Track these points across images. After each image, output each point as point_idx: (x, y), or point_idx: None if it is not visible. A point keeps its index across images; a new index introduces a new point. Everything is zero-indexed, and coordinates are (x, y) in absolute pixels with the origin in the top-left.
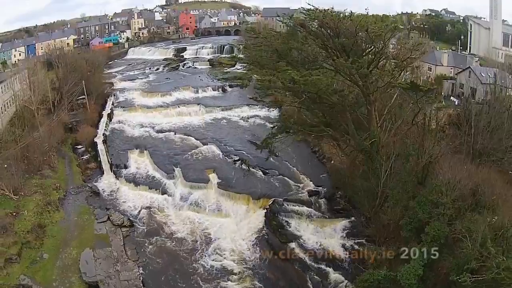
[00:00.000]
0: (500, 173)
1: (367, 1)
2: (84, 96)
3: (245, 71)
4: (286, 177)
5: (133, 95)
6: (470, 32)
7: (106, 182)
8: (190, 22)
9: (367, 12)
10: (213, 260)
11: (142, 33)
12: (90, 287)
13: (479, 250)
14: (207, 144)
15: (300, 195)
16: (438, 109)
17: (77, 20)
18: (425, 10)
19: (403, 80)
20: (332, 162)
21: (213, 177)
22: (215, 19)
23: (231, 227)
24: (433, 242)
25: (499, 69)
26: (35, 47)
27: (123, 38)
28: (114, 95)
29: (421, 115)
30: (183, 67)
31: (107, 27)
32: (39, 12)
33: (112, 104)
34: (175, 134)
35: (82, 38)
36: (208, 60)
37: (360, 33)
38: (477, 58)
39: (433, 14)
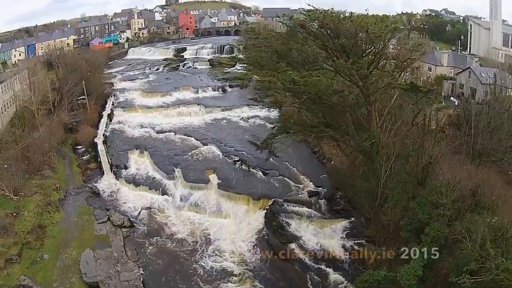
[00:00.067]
0: (500, 173)
1: (367, 1)
2: (84, 97)
3: (245, 72)
4: (286, 178)
5: (133, 95)
6: (470, 32)
7: (106, 183)
8: (190, 22)
9: (367, 13)
10: (213, 261)
11: (142, 33)
12: None
13: (478, 251)
14: (207, 145)
15: (300, 195)
16: (438, 109)
17: (77, 20)
18: (425, 10)
19: (403, 80)
20: (332, 162)
21: (213, 178)
22: (215, 19)
23: (231, 227)
24: (433, 243)
25: (499, 70)
26: (35, 47)
27: (123, 38)
28: (114, 95)
29: (421, 115)
30: (183, 67)
31: (107, 27)
32: (39, 12)
33: (112, 104)
34: (175, 134)
35: (82, 38)
36: (208, 60)
37: (360, 34)
38: (477, 58)
39: (433, 14)
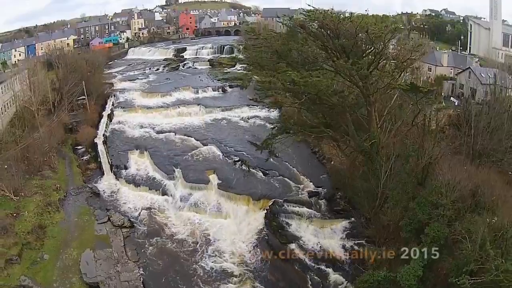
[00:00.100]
0: (500, 174)
1: (367, 1)
2: (84, 97)
3: (245, 72)
4: (286, 178)
5: (133, 95)
6: (470, 32)
7: (107, 183)
8: (190, 22)
9: (367, 13)
10: (213, 262)
11: (142, 33)
12: None
13: (478, 252)
14: (207, 145)
15: (300, 196)
16: (438, 110)
17: (77, 20)
18: (425, 10)
19: (403, 81)
20: (332, 163)
21: (213, 178)
22: (215, 19)
23: (231, 228)
24: (433, 243)
25: (499, 70)
26: (35, 47)
27: (123, 38)
28: (114, 96)
29: (421, 116)
30: (183, 67)
31: (107, 27)
32: (39, 12)
33: (112, 104)
34: (175, 134)
35: (82, 38)
36: (208, 61)
37: (360, 34)
38: (477, 59)
39: (433, 14)
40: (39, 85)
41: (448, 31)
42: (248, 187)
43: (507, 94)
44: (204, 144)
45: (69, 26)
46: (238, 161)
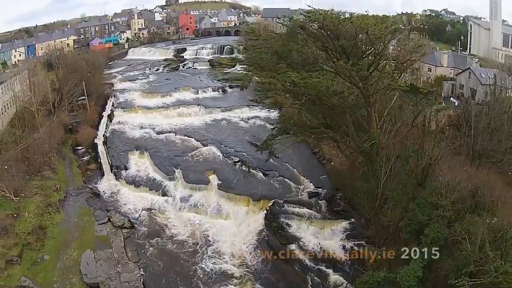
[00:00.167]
0: (500, 174)
1: (367, 2)
2: (84, 97)
3: (245, 73)
4: (286, 179)
5: (133, 96)
6: (470, 32)
7: (107, 184)
8: (190, 23)
9: (367, 13)
10: (213, 263)
11: (142, 34)
12: None
13: (477, 253)
14: (207, 146)
15: (300, 196)
16: (438, 110)
17: (77, 21)
18: (425, 11)
19: (403, 81)
20: (332, 163)
21: (214, 179)
22: (215, 20)
23: (231, 228)
24: (433, 244)
25: (499, 70)
26: (35, 48)
27: (123, 39)
28: (114, 96)
29: (421, 116)
30: (183, 67)
31: (107, 27)
32: (39, 12)
33: (112, 105)
34: (175, 135)
35: (82, 38)
36: (208, 61)
37: (360, 35)
38: (477, 59)
39: (433, 14)
40: (39, 86)
41: (448, 31)
42: (248, 188)
43: (507, 95)
44: (204, 145)
45: (69, 26)
46: (238, 161)
